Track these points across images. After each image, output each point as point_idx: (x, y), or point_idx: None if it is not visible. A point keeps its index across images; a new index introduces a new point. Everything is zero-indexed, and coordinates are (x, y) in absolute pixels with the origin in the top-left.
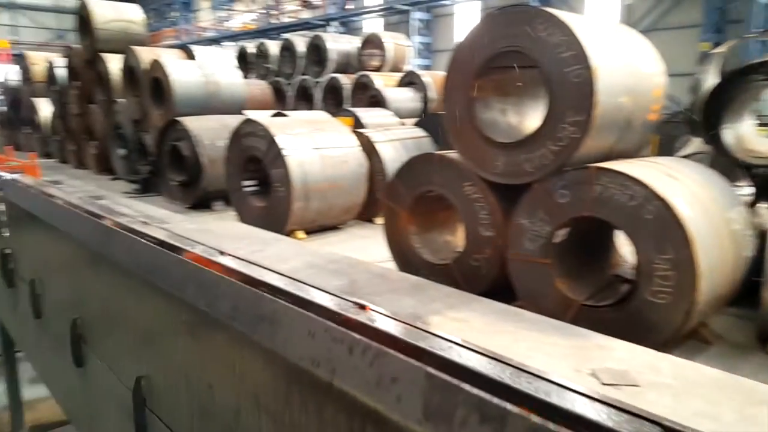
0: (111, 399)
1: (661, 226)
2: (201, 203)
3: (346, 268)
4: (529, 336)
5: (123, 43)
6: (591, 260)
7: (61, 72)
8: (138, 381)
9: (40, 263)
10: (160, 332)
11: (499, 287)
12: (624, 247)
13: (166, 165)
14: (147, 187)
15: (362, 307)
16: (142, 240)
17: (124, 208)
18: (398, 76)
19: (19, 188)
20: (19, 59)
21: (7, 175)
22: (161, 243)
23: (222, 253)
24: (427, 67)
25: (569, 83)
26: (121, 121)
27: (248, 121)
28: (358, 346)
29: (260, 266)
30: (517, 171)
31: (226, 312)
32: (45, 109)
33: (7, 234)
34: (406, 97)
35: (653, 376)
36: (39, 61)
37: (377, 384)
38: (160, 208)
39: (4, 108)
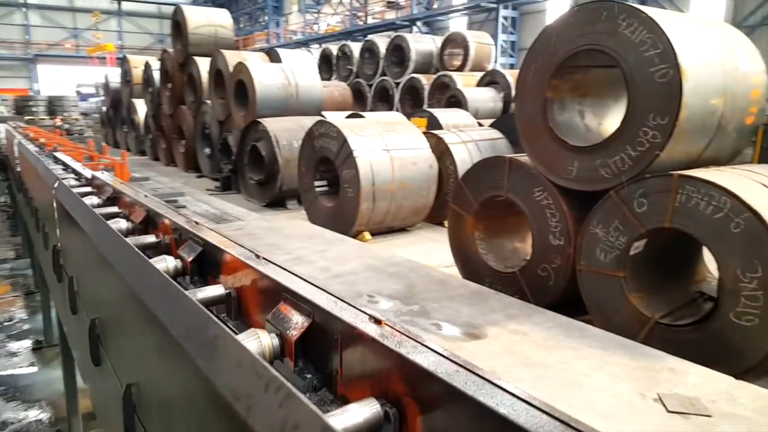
0: (115, 401)
1: (751, 241)
2: (276, 202)
3: (406, 271)
4: (591, 353)
5: (212, 47)
6: (670, 275)
7: (157, 74)
8: (129, 387)
9: (77, 261)
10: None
11: (568, 300)
12: (711, 261)
13: (246, 164)
14: (228, 185)
15: (378, 321)
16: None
17: (203, 204)
18: (480, 75)
19: (63, 188)
20: (122, 62)
21: (89, 173)
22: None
23: (258, 256)
24: (512, 66)
25: (653, 83)
26: (207, 121)
27: (321, 122)
28: (273, 383)
29: (294, 274)
30: (592, 177)
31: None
32: (142, 109)
33: (58, 231)
34: (486, 97)
35: (728, 406)
36: (138, 64)
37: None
38: (237, 206)
39: (105, 108)
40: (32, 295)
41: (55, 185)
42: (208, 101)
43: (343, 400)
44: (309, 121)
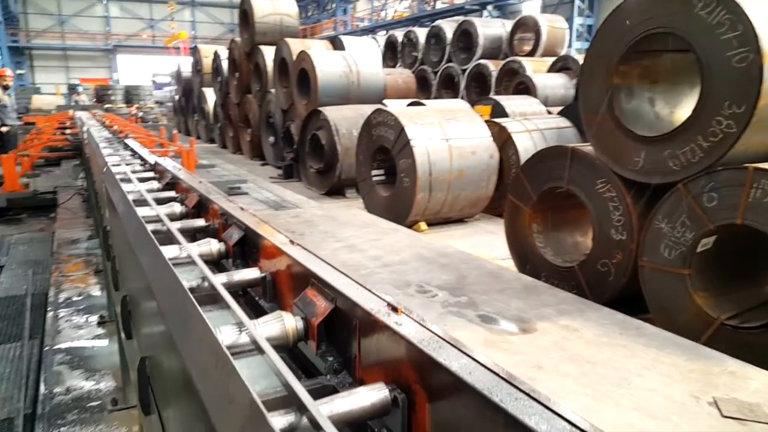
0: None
1: None
2: (335, 190)
3: (458, 263)
4: (645, 353)
5: (277, 36)
6: (739, 275)
7: (225, 64)
8: (143, 360)
9: (118, 242)
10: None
11: (628, 297)
12: None
13: (307, 153)
14: (290, 173)
15: (395, 309)
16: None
17: (265, 191)
18: (551, 60)
19: (109, 172)
20: (194, 52)
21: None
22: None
23: (292, 242)
24: None
25: (730, 69)
26: (272, 110)
27: (379, 110)
28: (222, 360)
29: (323, 260)
30: (660, 169)
31: None
32: (212, 98)
33: (106, 213)
34: (556, 84)
35: None
36: (208, 53)
37: None
38: (296, 194)
39: (177, 97)
40: (100, 273)
41: (104, 170)
42: (273, 90)
43: (361, 384)
44: (369, 110)
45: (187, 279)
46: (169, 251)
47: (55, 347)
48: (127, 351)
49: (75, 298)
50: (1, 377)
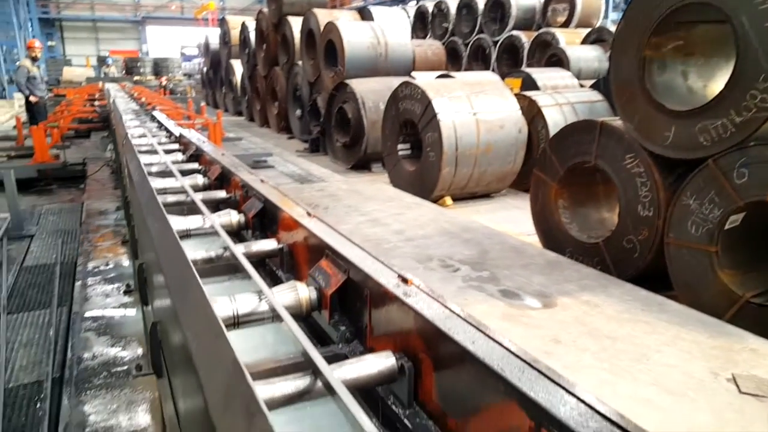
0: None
1: None
2: (361, 164)
3: (481, 237)
4: (667, 329)
5: (305, 6)
6: (767, 252)
7: (253, 35)
8: (154, 325)
9: (135, 211)
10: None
11: (652, 274)
12: None
13: (334, 126)
14: (316, 146)
15: (405, 280)
16: None
17: (291, 165)
18: (585, 32)
19: (129, 143)
20: (221, 23)
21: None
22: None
23: (309, 215)
24: None
25: (767, 41)
26: (299, 82)
27: (406, 83)
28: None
29: (338, 232)
30: (690, 144)
31: None
32: (239, 70)
33: (127, 183)
34: (590, 56)
35: None
36: (236, 25)
37: None
38: (322, 168)
39: (205, 69)
40: (127, 243)
41: (124, 142)
42: (300, 62)
43: (371, 352)
44: (397, 82)
45: (206, 249)
46: (181, 222)
47: (82, 314)
48: (146, 317)
49: (102, 268)
50: (30, 342)
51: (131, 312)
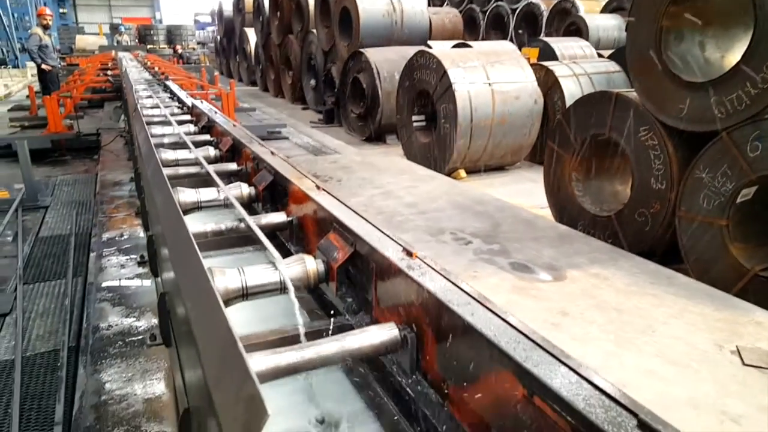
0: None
1: None
2: (376, 136)
3: (493, 211)
4: (674, 302)
5: None
6: None
7: (267, 1)
8: (162, 296)
9: (145, 184)
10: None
11: (664, 247)
12: None
13: (348, 97)
14: (331, 117)
15: (410, 254)
16: None
17: (305, 137)
18: (605, 0)
19: (138, 115)
20: None
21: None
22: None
23: (318, 188)
24: None
25: None
26: (313, 51)
27: (421, 52)
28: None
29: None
30: (704, 116)
31: None
32: (253, 39)
33: (137, 154)
34: (609, 25)
35: None
36: None
37: None
38: (336, 139)
39: (219, 37)
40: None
41: (133, 113)
42: (314, 30)
43: (377, 324)
44: (412, 52)
45: (215, 222)
46: (192, 194)
47: (98, 285)
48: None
49: (117, 239)
50: (46, 312)
51: (146, 283)
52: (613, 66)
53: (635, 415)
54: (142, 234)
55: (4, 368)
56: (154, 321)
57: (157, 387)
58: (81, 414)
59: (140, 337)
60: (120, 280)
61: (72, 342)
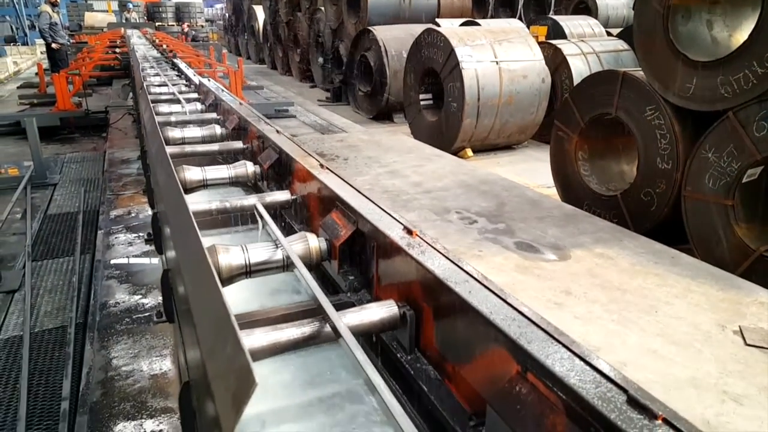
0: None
1: None
2: (383, 114)
3: (499, 190)
4: (677, 282)
5: None
6: None
7: None
8: (165, 273)
9: (151, 162)
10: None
11: (669, 227)
12: None
13: (356, 75)
14: (338, 96)
15: (410, 232)
16: None
17: (312, 115)
18: None
19: (144, 93)
20: None
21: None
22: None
23: (322, 166)
24: None
25: None
26: (321, 29)
27: (429, 30)
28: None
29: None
30: (711, 96)
31: None
32: (262, 16)
33: (144, 132)
34: (619, 3)
35: None
36: None
37: None
38: (343, 118)
39: (227, 15)
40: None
41: (139, 92)
42: (323, 8)
43: (378, 301)
44: (420, 29)
45: (217, 200)
46: (198, 173)
47: (105, 262)
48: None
49: (125, 216)
50: (54, 289)
51: (153, 260)
52: (621, 45)
53: (625, 391)
54: (149, 212)
55: (13, 344)
56: (161, 298)
57: (163, 363)
58: (88, 389)
59: (147, 314)
60: (127, 257)
61: (79, 318)
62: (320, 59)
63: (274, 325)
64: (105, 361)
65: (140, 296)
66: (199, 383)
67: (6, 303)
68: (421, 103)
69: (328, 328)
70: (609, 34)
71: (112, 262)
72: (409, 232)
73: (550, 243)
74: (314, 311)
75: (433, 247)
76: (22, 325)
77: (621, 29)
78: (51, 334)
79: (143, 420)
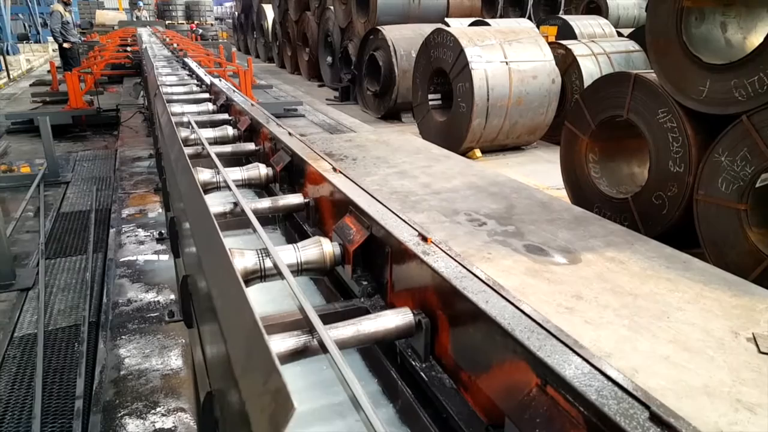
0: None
1: None
2: (392, 114)
3: (508, 192)
4: (689, 287)
5: None
6: None
7: None
8: (185, 279)
9: (167, 164)
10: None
11: (680, 231)
12: None
13: (364, 74)
14: (347, 95)
15: (425, 239)
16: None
17: (321, 114)
18: None
19: (160, 96)
20: None
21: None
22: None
23: (335, 170)
24: None
25: None
26: (330, 28)
27: (438, 30)
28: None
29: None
30: (724, 99)
31: None
32: (271, 15)
33: (159, 135)
34: (630, 3)
35: None
36: None
37: None
38: (351, 117)
39: (237, 13)
40: (160, 191)
41: (155, 94)
42: (332, 7)
43: (392, 307)
44: (429, 29)
45: (223, 204)
46: (209, 174)
47: (117, 261)
48: (178, 268)
49: (136, 215)
50: (68, 287)
51: (164, 259)
52: (632, 45)
53: (647, 407)
54: (160, 210)
55: (27, 342)
56: (172, 297)
57: (175, 363)
58: (101, 388)
59: (158, 313)
60: (139, 256)
61: (92, 317)
62: (329, 58)
63: (290, 332)
64: (117, 360)
65: (152, 295)
66: (227, 397)
67: (20, 301)
68: (430, 103)
69: (342, 336)
70: (620, 34)
71: (124, 260)
72: (424, 239)
73: (561, 246)
74: (330, 316)
75: (448, 254)
76: (36, 323)
77: (632, 30)
78: (64, 333)
79: (156, 420)
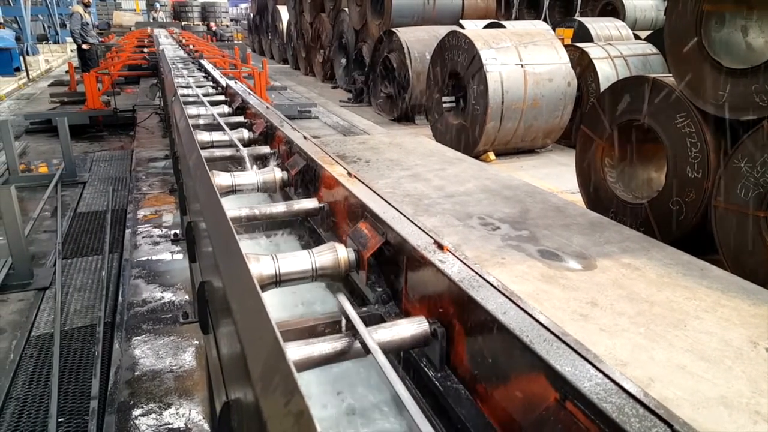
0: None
1: None
2: (405, 116)
3: (522, 195)
4: (707, 295)
5: None
6: None
7: None
8: (202, 285)
9: (184, 168)
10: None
11: (697, 237)
12: None
13: (378, 76)
14: (360, 97)
15: (441, 247)
16: None
17: (334, 116)
18: None
19: (177, 101)
20: None
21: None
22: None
23: (350, 175)
24: None
25: None
26: (344, 30)
27: (453, 32)
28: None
29: (377, 194)
30: (744, 104)
31: None
32: (286, 16)
33: (176, 138)
34: (647, 5)
35: None
36: None
37: None
38: (365, 119)
39: (252, 15)
40: (175, 192)
41: (173, 98)
42: (346, 9)
43: (407, 315)
44: (444, 31)
45: (247, 207)
46: (227, 178)
47: (132, 261)
48: (194, 273)
49: (151, 216)
50: (84, 287)
51: (178, 260)
52: (650, 48)
53: (670, 425)
54: (175, 211)
55: (44, 341)
56: (187, 298)
57: (189, 365)
58: (116, 389)
59: (172, 314)
60: (154, 257)
61: (108, 317)
62: (343, 60)
63: (306, 339)
64: (132, 361)
65: (167, 296)
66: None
67: (37, 300)
68: (444, 105)
69: (357, 345)
70: (637, 36)
71: (139, 260)
72: (440, 246)
73: (575, 252)
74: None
75: (464, 263)
76: (53, 323)
77: (649, 32)
78: (80, 333)
79: (170, 421)
